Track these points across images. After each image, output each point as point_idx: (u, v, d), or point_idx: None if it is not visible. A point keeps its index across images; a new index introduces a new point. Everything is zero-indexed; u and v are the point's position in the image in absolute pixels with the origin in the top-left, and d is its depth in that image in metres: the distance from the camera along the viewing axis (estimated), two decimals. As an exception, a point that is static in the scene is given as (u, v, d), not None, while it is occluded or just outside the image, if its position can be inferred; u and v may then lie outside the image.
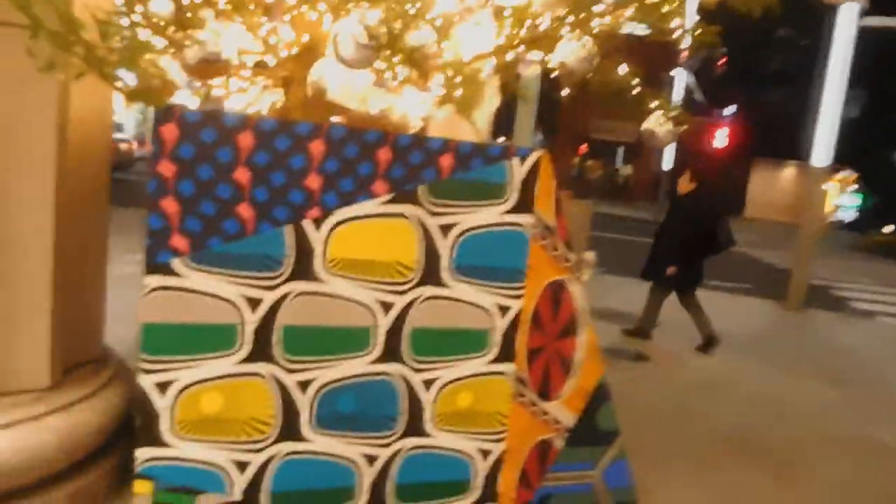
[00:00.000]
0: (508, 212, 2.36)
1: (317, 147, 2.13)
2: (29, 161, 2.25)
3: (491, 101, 3.09)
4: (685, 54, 20.67)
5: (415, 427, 2.38)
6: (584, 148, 33.22)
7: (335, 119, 2.69)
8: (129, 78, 2.30)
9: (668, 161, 23.06)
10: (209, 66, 2.32)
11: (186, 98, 2.86)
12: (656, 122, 2.78)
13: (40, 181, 2.28)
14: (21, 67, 1.89)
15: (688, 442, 4.44)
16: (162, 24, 2.22)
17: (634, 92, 2.85)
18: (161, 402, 2.07)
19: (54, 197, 2.32)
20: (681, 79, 22.99)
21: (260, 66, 2.73)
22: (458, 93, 2.41)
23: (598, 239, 9.96)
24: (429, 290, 2.32)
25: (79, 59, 1.89)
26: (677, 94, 21.91)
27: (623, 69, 2.80)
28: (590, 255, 6.39)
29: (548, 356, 2.52)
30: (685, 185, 7.00)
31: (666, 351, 6.72)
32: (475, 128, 2.55)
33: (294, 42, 2.61)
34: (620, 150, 33.80)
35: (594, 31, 2.57)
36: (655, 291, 7.08)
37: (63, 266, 2.43)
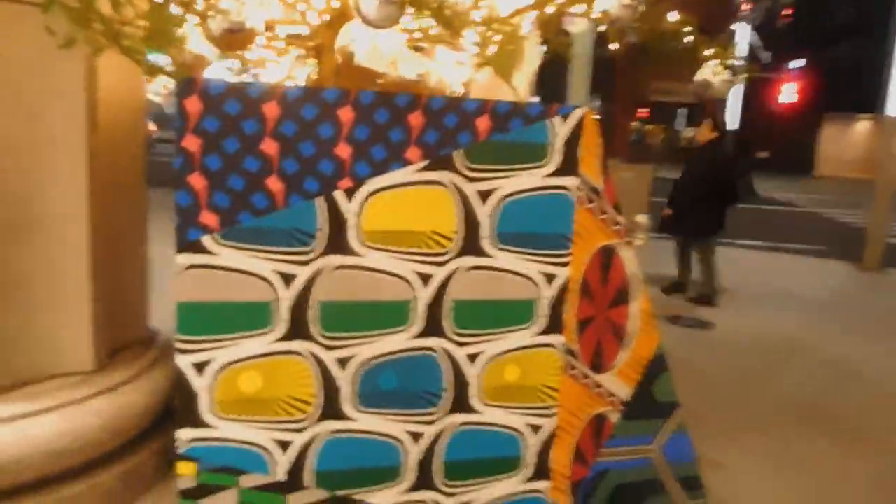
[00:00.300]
0: (551, 174, 2.22)
1: (345, 114, 2.03)
2: (59, 144, 2.23)
3: (532, 61, 2.93)
4: (746, 6, 19.72)
5: (461, 403, 2.29)
6: (643, 111, 32.38)
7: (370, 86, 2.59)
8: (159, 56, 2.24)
9: (732, 121, 22.17)
10: (234, 37, 2.24)
11: (220, 71, 2.81)
12: (712, 72, 2.59)
13: (72, 164, 2.26)
14: (44, 47, 1.84)
15: (755, 411, 4.25)
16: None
17: (687, 41, 2.65)
18: (199, 383, 2.03)
19: (88, 179, 2.29)
20: (743, 34, 21.99)
21: (292, 37, 2.65)
22: (494, 51, 2.26)
23: (659, 204, 9.63)
24: (469, 261, 2.21)
25: (97, 34, 1.84)
26: (740, 51, 20.98)
27: (674, 17, 2.60)
28: (642, 219, 6.17)
29: (599, 326, 2.39)
30: (706, 133, 6.81)
31: (731, 316, 6.46)
32: (515, 89, 2.41)
33: (325, 9, 2.51)
34: (682, 113, 32.79)
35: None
36: (699, 253, 6.91)
37: (102, 248, 2.41)
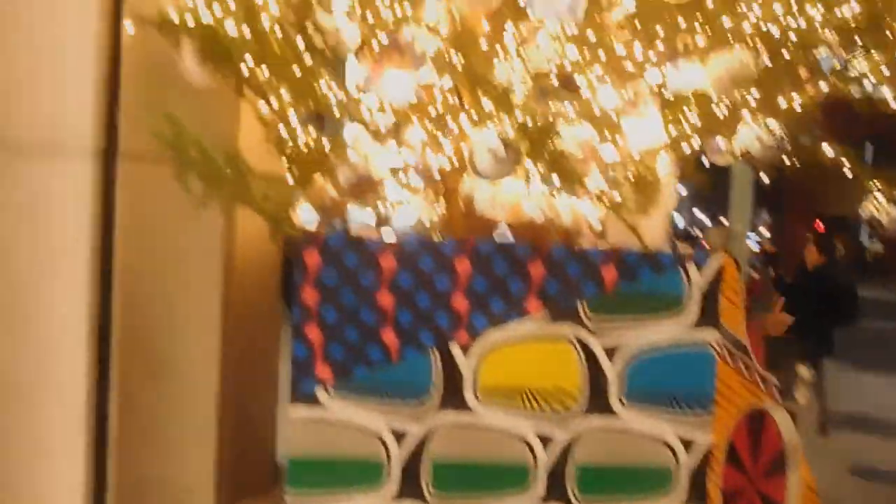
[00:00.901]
0: (688, 328, 2.02)
1: (462, 265, 1.98)
2: (196, 291, 2.35)
3: (669, 201, 2.76)
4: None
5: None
6: (819, 224, 30.34)
7: (498, 232, 2.54)
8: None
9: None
10: (362, 186, 2.29)
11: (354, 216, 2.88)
12: (876, 207, 2.31)
13: (207, 310, 2.36)
14: (184, 202, 1.96)
15: None
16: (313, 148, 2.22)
17: (847, 172, 2.40)
18: (308, 539, 1.97)
19: (221, 324, 2.38)
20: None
21: (421, 183, 2.67)
22: (621, 197, 2.15)
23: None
24: (596, 421, 2.02)
25: (227, 193, 1.94)
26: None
27: (830, 148, 2.36)
28: (805, 372, 5.60)
29: (750, 500, 2.08)
30: (814, 257, 6.29)
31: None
32: (644, 236, 2.25)
33: (452, 155, 2.52)
34: (864, 228, 30.34)
35: (786, 108, 2.20)
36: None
37: (232, 390, 2.46)
